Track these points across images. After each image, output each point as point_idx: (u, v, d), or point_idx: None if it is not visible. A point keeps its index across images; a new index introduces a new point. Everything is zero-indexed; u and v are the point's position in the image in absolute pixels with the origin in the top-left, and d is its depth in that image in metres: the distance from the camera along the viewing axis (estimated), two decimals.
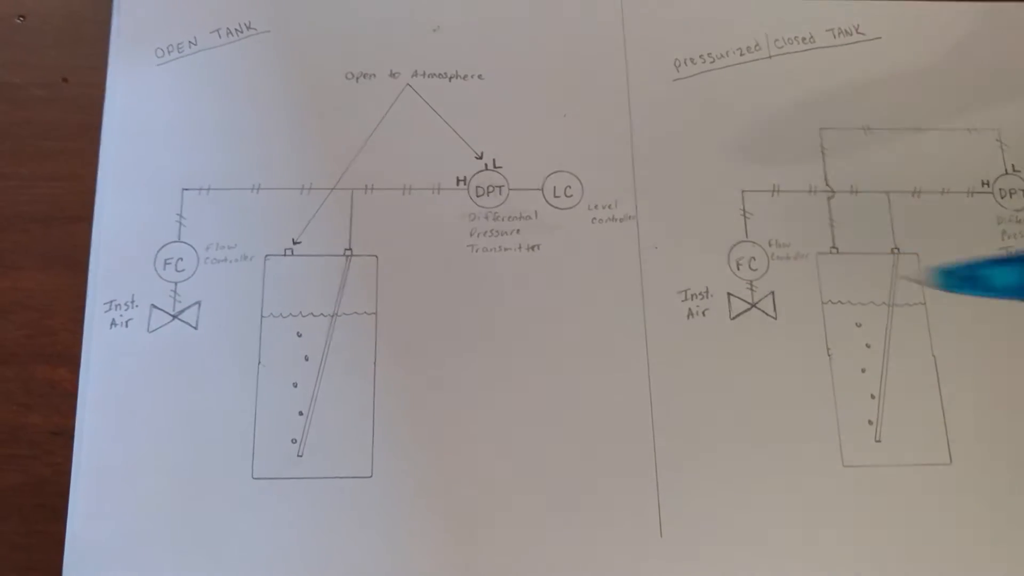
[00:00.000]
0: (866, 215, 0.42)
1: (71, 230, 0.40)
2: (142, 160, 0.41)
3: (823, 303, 0.41)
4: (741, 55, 0.44)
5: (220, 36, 0.43)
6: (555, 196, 0.41)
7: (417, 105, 0.42)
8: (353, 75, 0.42)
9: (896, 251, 0.41)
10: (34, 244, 0.40)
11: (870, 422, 0.39)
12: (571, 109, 0.42)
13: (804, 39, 0.44)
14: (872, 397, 0.40)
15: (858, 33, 0.44)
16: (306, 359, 0.39)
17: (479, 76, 0.43)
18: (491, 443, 0.38)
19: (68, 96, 0.42)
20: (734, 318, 0.40)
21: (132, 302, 0.39)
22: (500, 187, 0.41)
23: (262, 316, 0.39)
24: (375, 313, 0.40)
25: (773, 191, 0.42)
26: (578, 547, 0.37)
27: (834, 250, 0.41)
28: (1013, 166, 0.43)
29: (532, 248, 0.41)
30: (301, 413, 0.38)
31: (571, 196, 0.41)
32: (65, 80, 0.42)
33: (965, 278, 0.31)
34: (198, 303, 0.39)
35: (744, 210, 0.41)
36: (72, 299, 0.39)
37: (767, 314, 0.40)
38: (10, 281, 0.40)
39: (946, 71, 0.44)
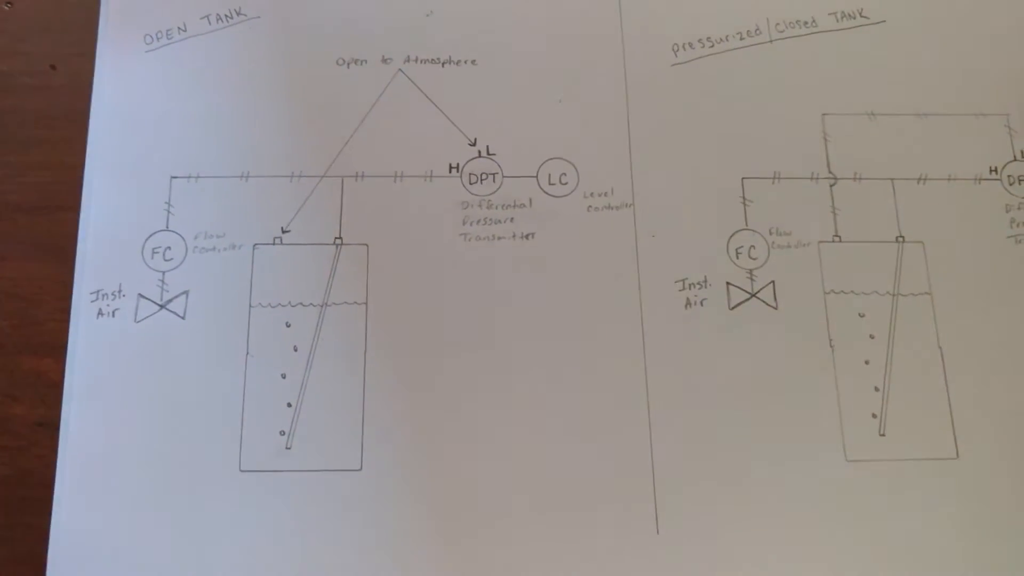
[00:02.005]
0: (870, 202, 0.41)
1: (58, 219, 0.40)
2: (131, 148, 0.40)
3: (825, 293, 0.40)
4: (741, 39, 0.43)
5: (210, 22, 0.42)
6: (550, 184, 0.41)
7: (409, 91, 0.41)
8: (344, 61, 0.42)
9: (901, 239, 0.40)
10: (20, 233, 0.40)
11: (874, 415, 0.38)
12: (567, 95, 0.42)
13: (806, 23, 0.43)
14: (876, 390, 0.39)
15: (862, 16, 0.43)
16: (295, 350, 0.38)
17: (473, 61, 0.42)
18: (484, 436, 0.38)
19: (56, 84, 0.41)
20: (733, 308, 0.39)
21: (119, 292, 0.39)
22: (494, 174, 0.41)
23: (250, 306, 0.39)
24: (365, 303, 0.39)
25: (774, 178, 0.41)
26: (573, 543, 0.37)
27: (836, 238, 0.40)
28: (1022, 152, 0.41)
29: (526, 237, 0.40)
30: (290, 405, 0.38)
31: (566, 184, 0.41)
32: (53, 67, 0.42)
33: None
34: (186, 293, 0.39)
35: (744, 197, 0.41)
36: (59, 289, 0.39)
37: (767, 304, 0.39)
38: None
39: (953, 55, 0.43)
